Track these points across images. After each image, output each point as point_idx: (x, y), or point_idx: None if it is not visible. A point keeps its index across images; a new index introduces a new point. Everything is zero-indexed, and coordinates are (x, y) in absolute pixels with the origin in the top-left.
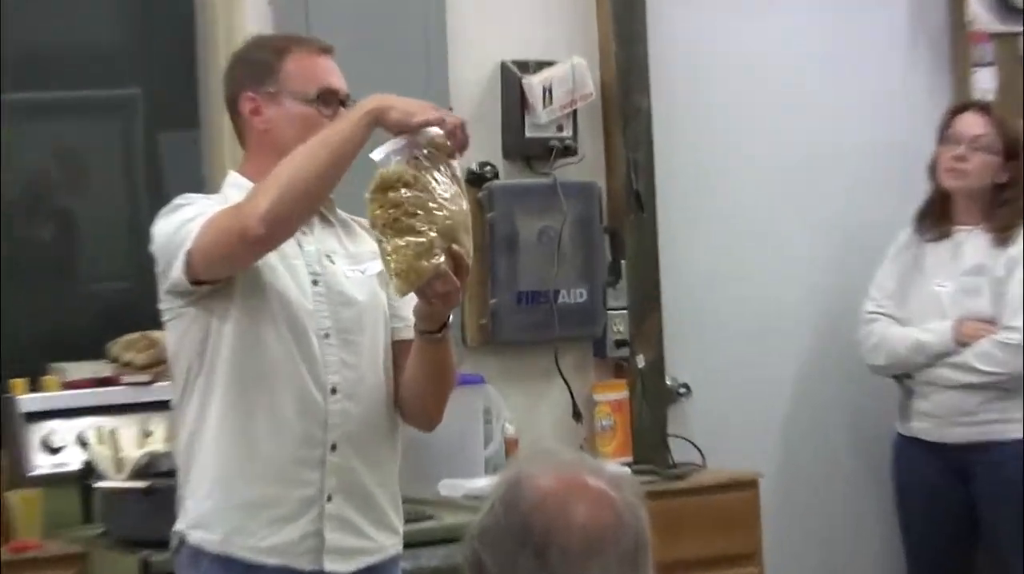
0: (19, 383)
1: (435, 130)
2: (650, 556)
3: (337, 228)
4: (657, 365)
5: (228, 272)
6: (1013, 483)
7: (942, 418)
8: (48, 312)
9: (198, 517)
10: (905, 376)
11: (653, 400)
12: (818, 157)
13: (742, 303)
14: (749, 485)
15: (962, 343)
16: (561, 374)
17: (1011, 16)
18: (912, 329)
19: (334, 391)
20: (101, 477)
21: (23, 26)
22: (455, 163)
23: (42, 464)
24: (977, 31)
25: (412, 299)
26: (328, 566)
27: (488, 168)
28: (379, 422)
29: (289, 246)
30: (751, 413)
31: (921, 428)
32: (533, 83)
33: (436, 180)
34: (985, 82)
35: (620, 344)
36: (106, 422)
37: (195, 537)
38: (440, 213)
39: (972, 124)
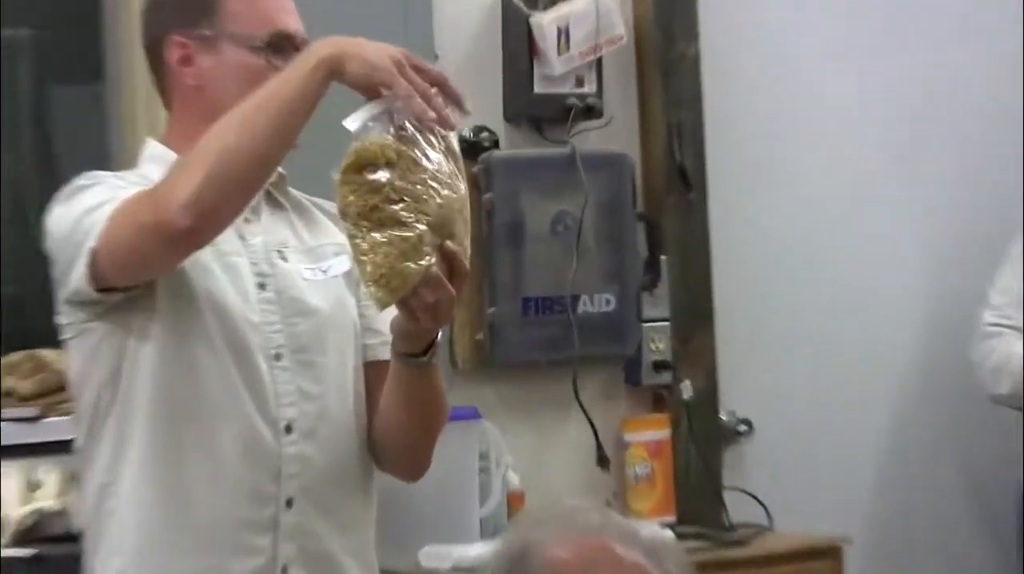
0: None
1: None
2: None
3: (290, 214)
4: (709, 394)
5: (145, 276)
6: None
7: None
8: None
9: None
10: None
11: (704, 441)
12: (919, 123)
13: (819, 313)
14: (830, 553)
15: None
16: (581, 406)
17: None
18: None
19: (289, 430)
20: None
21: None
22: (452, 133)
23: None
24: None
25: (391, 311)
26: None
27: (485, 135)
28: (348, 470)
29: (227, 239)
30: (832, 458)
31: None
32: (544, 23)
33: (427, 156)
34: None
35: (660, 367)
36: None
37: None
38: (432, 200)
39: None
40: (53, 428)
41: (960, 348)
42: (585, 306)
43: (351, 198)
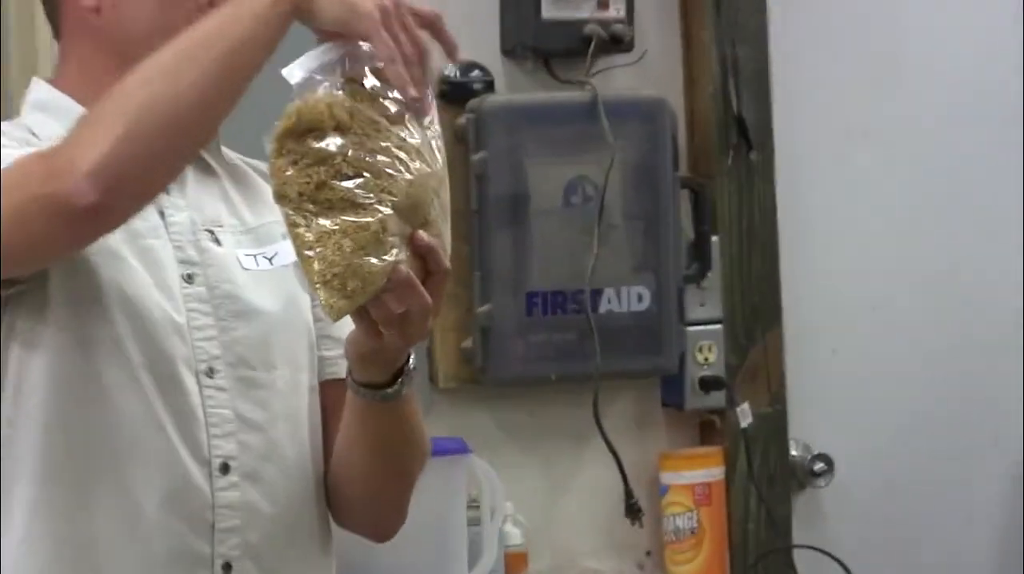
0: None
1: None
2: None
3: (224, 181)
4: (775, 422)
5: (32, 266)
6: None
7: None
8: None
9: None
10: None
11: (767, 483)
12: None
13: (924, 315)
14: None
15: None
16: (605, 438)
17: None
18: None
19: (225, 469)
20: None
21: None
22: (428, 88)
23: None
24: None
25: (349, 322)
26: None
27: (476, 74)
28: (302, 524)
29: (142, 216)
30: (938, 508)
31: None
32: None
33: (397, 116)
34: None
35: (709, 385)
36: None
37: None
38: (399, 176)
39: None
40: None
41: None
42: (609, 304)
43: (290, 173)
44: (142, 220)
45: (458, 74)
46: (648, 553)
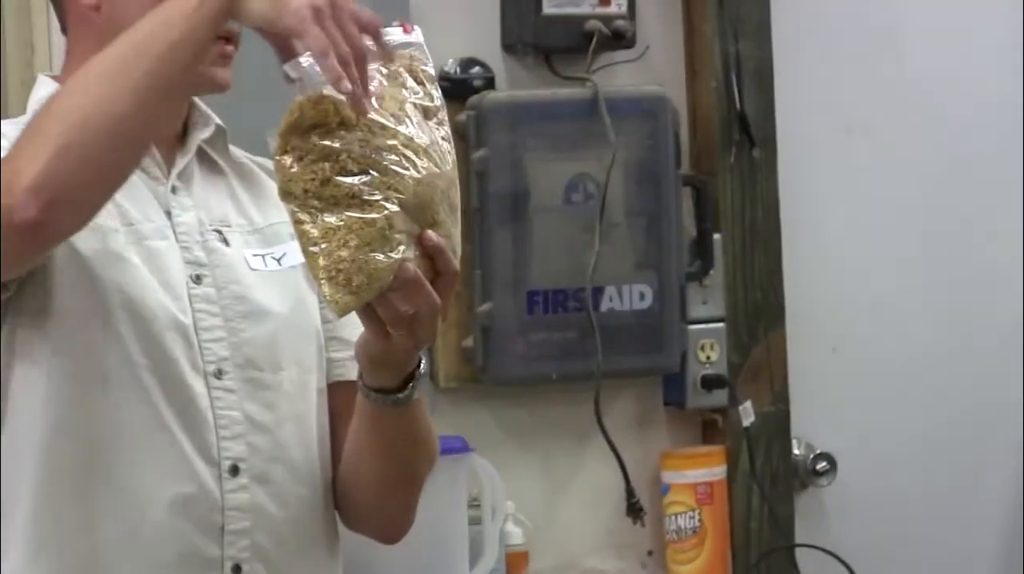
0: None
1: (396, 34)
2: None
3: (231, 180)
4: (778, 421)
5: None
6: None
7: None
8: None
9: None
10: None
11: (770, 483)
12: None
13: (927, 313)
14: None
15: None
16: (606, 436)
17: None
18: None
19: (235, 471)
20: None
21: None
22: (434, 85)
23: None
24: None
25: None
26: None
27: (476, 70)
28: (311, 526)
29: (148, 216)
30: (941, 508)
31: None
32: None
33: (404, 117)
34: None
35: (712, 383)
36: None
37: None
38: (407, 174)
39: None
40: None
41: None
42: (611, 302)
43: (295, 169)
44: (148, 222)
45: (458, 71)
46: (650, 552)
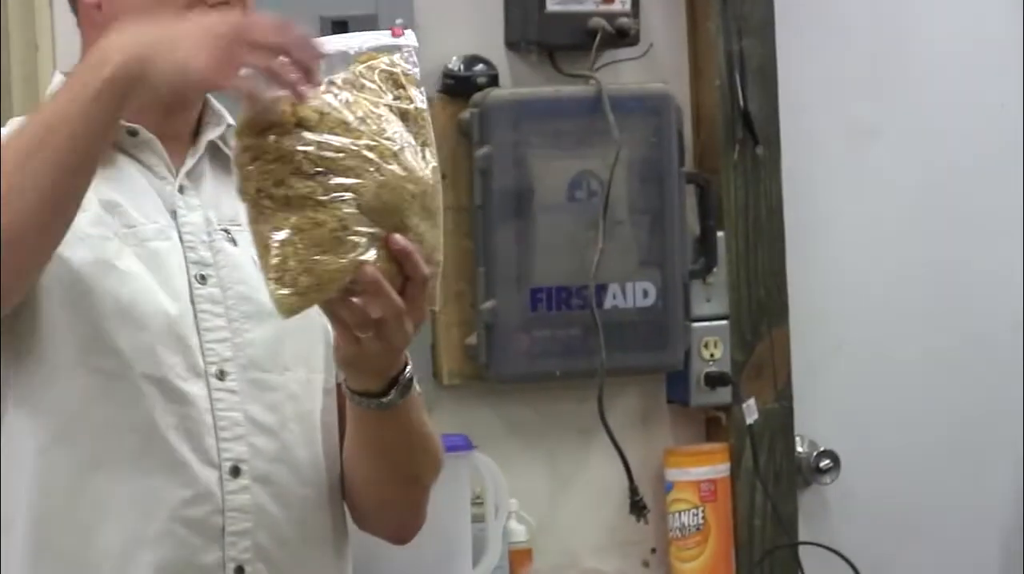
0: None
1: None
2: None
3: None
4: (781, 419)
5: None
6: None
7: None
8: None
9: None
10: None
11: (774, 480)
12: None
13: (931, 311)
14: None
15: None
16: (610, 434)
17: None
18: None
19: (236, 472)
20: None
21: None
22: (416, 88)
23: None
24: None
25: None
26: None
27: (479, 68)
28: (316, 527)
29: (150, 217)
30: (945, 506)
31: None
32: None
33: (374, 120)
34: None
35: (715, 381)
36: None
37: None
38: (369, 176)
39: None
40: None
41: None
42: (615, 300)
43: (251, 168)
44: (150, 223)
45: (462, 68)
46: (653, 550)
